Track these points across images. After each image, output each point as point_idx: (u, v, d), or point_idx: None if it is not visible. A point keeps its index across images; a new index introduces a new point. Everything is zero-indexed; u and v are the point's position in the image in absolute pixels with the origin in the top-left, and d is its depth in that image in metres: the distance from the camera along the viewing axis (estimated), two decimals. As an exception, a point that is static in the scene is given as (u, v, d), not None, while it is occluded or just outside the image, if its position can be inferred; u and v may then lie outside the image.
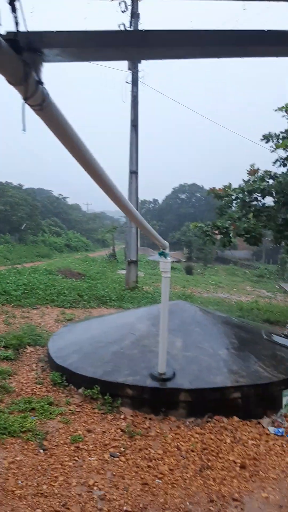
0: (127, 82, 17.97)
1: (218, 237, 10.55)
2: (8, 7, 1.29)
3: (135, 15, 17.16)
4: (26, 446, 4.10)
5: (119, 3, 16.80)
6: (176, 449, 4.14)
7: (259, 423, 4.70)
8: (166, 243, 5.03)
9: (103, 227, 50.00)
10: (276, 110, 9.37)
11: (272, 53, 1.83)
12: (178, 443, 4.23)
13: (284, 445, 4.30)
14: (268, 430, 4.53)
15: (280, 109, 9.29)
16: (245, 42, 1.72)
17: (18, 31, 1.37)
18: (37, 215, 44.60)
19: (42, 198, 58.21)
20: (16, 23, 1.33)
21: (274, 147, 9.37)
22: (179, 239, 49.23)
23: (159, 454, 4.04)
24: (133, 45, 1.79)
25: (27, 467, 3.76)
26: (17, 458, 3.87)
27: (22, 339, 7.49)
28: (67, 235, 50.49)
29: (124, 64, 17.90)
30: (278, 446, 4.28)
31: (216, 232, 10.29)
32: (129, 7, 17.25)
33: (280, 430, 4.51)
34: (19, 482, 3.53)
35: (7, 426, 4.32)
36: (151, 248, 46.85)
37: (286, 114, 9.32)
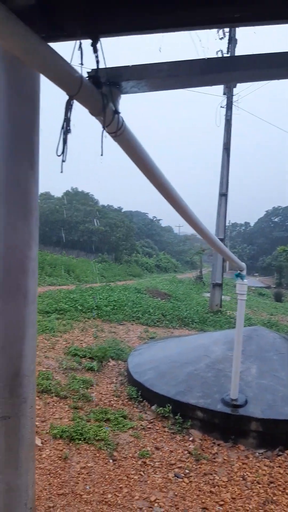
0: (221, 107, 18.16)
1: None
2: (90, 48, 1.56)
3: (232, 40, 17.46)
4: (98, 454, 4.33)
5: (217, 31, 17.23)
6: (241, 478, 4.03)
7: None
8: (243, 265, 5.01)
9: (192, 249, 50.14)
10: None
11: None
12: (245, 473, 4.12)
13: None
14: None
15: None
16: None
17: (98, 68, 1.61)
18: (132, 236, 46.44)
19: (138, 221, 60.65)
20: (97, 62, 1.58)
21: None
22: (270, 263, 47.09)
23: (223, 482, 3.97)
24: (213, 71, 1.83)
25: (96, 474, 3.98)
26: (88, 464, 4.12)
27: (106, 352, 7.91)
28: (158, 256, 51.64)
29: (219, 89, 18.19)
30: None
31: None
32: (227, 34, 17.59)
33: None
34: (87, 487, 3.76)
35: (83, 432, 4.62)
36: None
37: None
